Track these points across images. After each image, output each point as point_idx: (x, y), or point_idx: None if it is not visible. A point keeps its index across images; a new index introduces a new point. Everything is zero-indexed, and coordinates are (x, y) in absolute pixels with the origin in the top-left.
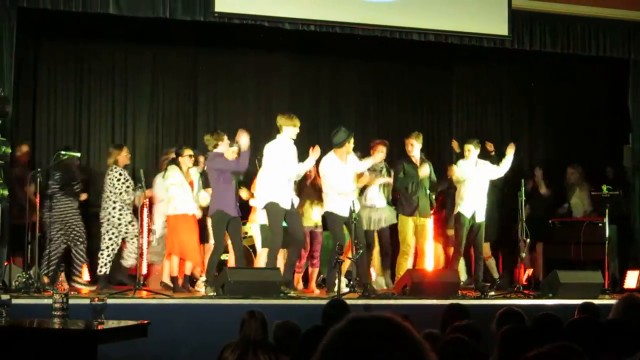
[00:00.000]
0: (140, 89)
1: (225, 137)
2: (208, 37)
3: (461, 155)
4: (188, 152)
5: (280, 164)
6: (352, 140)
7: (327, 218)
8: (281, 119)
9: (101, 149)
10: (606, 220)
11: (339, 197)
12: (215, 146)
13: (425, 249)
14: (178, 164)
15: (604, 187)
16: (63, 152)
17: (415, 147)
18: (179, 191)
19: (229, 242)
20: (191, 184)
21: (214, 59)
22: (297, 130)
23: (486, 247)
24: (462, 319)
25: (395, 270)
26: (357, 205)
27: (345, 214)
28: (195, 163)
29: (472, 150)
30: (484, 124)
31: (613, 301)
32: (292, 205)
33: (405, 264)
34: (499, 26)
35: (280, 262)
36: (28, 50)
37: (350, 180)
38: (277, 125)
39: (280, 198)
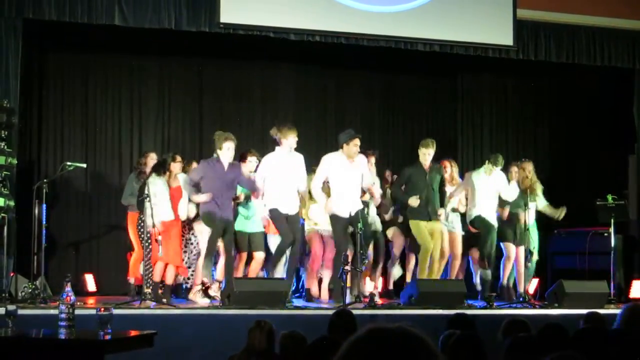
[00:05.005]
0: (147, 99)
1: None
2: (214, 48)
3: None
4: (178, 158)
5: (274, 175)
6: (357, 142)
7: (330, 219)
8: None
9: (108, 160)
10: (611, 230)
11: (338, 198)
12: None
13: (444, 251)
14: (161, 172)
15: (609, 197)
16: (69, 163)
17: (431, 156)
18: (155, 200)
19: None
20: (179, 189)
21: (219, 70)
22: (294, 140)
23: (475, 253)
24: (467, 329)
25: (418, 272)
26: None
27: (346, 215)
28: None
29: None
30: (489, 134)
31: (619, 311)
32: (295, 212)
33: (427, 262)
34: (504, 36)
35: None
36: (34, 62)
37: (352, 182)
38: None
39: (278, 204)
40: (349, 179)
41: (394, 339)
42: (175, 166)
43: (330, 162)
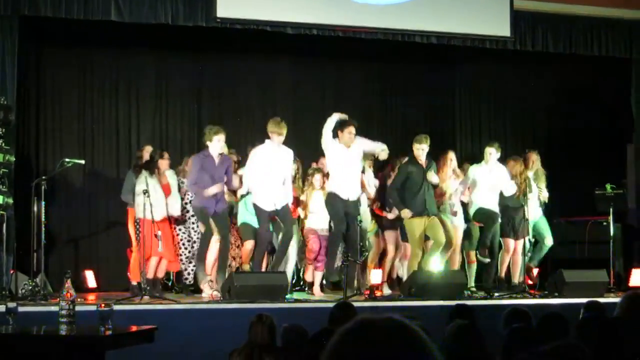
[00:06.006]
0: (144, 95)
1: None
2: (211, 43)
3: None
4: (166, 155)
5: (261, 168)
6: (351, 130)
7: (327, 197)
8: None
9: (106, 156)
10: (610, 218)
11: (338, 180)
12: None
13: (442, 240)
14: (150, 169)
15: (608, 186)
16: (67, 160)
17: (425, 151)
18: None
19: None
20: (167, 186)
21: (217, 65)
22: (282, 137)
23: (470, 254)
24: (468, 320)
25: (408, 269)
26: (363, 206)
27: (345, 197)
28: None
29: (492, 153)
30: (488, 124)
31: (618, 299)
32: (282, 205)
33: (416, 265)
34: (501, 27)
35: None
36: (31, 58)
37: (351, 167)
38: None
39: (261, 201)
40: (348, 164)
41: (383, 329)
42: (163, 163)
43: (333, 146)
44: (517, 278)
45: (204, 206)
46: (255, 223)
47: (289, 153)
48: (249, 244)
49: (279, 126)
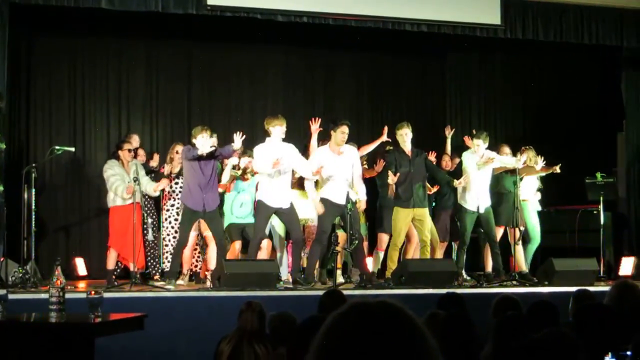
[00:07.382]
0: (135, 84)
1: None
2: (201, 31)
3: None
4: (127, 146)
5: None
6: (344, 129)
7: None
8: (267, 121)
9: (96, 144)
10: (601, 207)
11: (329, 185)
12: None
13: (427, 239)
14: (117, 157)
15: (598, 175)
16: (57, 147)
17: (408, 136)
18: (118, 183)
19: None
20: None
21: (207, 53)
22: (283, 128)
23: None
24: (458, 308)
25: (387, 261)
26: (353, 196)
27: (337, 201)
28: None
29: (480, 145)
30: (478, 112)
31: (608, 288)
32: (288, 206)
33: (396, 255)
34: (491, 15)
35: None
36: (21, 47)
37: (342, 173)
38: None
39: (266, 197)
40: (338, 169)
41: (376, 312)
42: (124, 155)
43: (320, 153)
44: (523, 267)
45: (191, 207)
46: (241, 221)
47: (291, 147)
48: (238, 244)
49: (279, 119)
